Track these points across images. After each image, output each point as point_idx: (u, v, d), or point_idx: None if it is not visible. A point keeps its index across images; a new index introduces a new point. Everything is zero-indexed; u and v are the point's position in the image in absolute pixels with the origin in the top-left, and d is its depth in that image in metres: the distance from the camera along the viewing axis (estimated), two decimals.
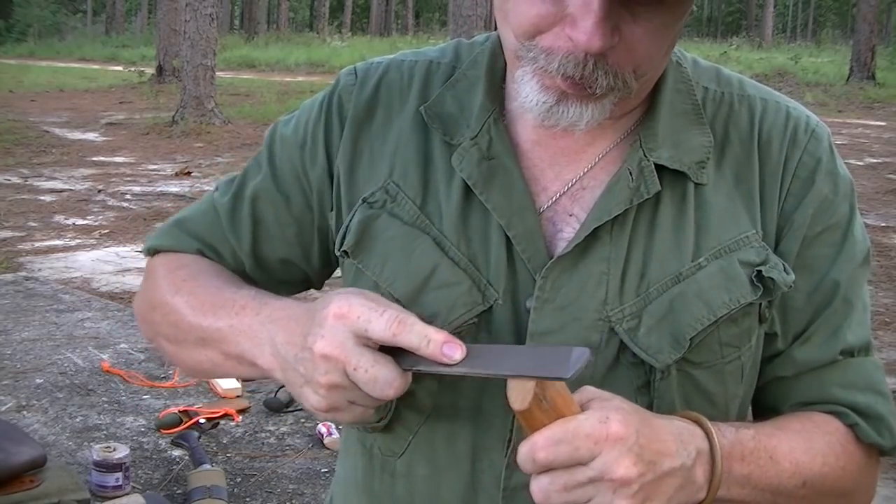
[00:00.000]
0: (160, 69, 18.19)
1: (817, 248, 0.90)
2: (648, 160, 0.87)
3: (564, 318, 0.85)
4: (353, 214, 0.93)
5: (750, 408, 0.99)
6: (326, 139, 0.97)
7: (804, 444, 0.87)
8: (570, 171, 0.90)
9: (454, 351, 0.76)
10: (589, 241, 0.86)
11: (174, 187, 8.79)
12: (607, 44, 0.78)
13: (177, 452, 2.05)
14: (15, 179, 9.06)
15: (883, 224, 7.45)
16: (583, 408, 0.75)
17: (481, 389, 0.88)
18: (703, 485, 0.79)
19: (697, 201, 0.88)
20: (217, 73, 13.49)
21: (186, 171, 9.62)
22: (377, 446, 0.93)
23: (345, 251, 0.93)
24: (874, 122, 14.19)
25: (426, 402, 0.89)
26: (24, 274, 4.35)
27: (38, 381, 2.46)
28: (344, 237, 0.93)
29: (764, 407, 0.95)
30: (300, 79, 20.36)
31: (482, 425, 0.88)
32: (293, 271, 1.02)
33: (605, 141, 0.90)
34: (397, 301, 0.87)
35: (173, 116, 12.88)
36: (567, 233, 0.88)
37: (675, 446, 0.77)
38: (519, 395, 0.74)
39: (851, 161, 10.40)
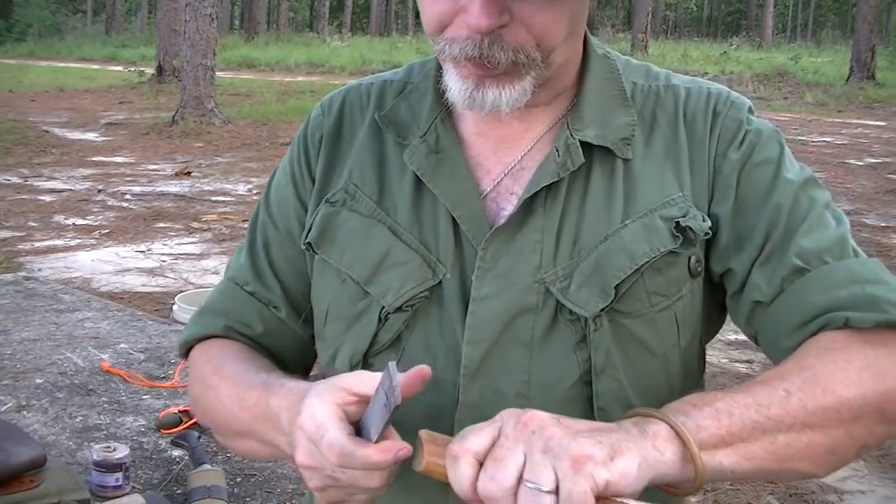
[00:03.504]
0: (160, 69, 18.19)
1: (753, 181, 0.96)
2: (574, 138, 0.96)
3: (503, 284, 0.93)
4: (317, 212, 1.03)
5: (703, 362, 1.03)
6: (309, 166, 1.08)
7: (796, 381, 0.83)
8: (510, 154, 1.00)
9: None
10: (525, 215, 0.95)
11: (174, 187, 8.79)
12: (495, 22, 0.87)
13: (177, 452, 2.04)
14: (15, 179, 9.06)
15: (883, 224, 7.44)
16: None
17: (434, 359, 0.94)
18: (674, 460, 0.77)
19: (626, 174, 0.97)
20: (217, 73, 13.49)
21: (186, 171, 9.62)
22: None
23: (308, 243, 1.02)
24: (874, 122, 14.19)
25: None
26: (24, 274, 4.35)
27: (38, 381, 2.45)
28: (308, 232, 1.03)
29: (771, 349, 0.95)
30: (300, 79, 20.36)
31: (436, 389, 0.93)
32: None
33: (540, 126, 1.00)
34: (356, 283, 0.98)
35: (173, 116, 12.88)
36: (508, 210, 0.97)
37: (593, 425, 0.77)
38: (418, 457, 0.79)
39: (852, 161, 10.40)
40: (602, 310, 0.91)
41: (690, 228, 0.93)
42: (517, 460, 0.73)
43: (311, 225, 1.03)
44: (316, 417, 0.82)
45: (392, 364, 0.77)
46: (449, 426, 0.93)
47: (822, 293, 0.90)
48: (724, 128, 0.99)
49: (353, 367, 0.98)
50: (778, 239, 0.94)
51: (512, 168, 0.99)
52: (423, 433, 0.80)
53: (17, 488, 1.65)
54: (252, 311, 1.08)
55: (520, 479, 0.73)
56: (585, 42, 1.01)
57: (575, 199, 0.96)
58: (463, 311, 0.94)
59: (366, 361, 0.98)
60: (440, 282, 0.95)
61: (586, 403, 0.93)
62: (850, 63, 19.17)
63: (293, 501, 1.89)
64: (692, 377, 1.00)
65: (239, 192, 8.64)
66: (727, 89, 1.04)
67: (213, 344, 1.09)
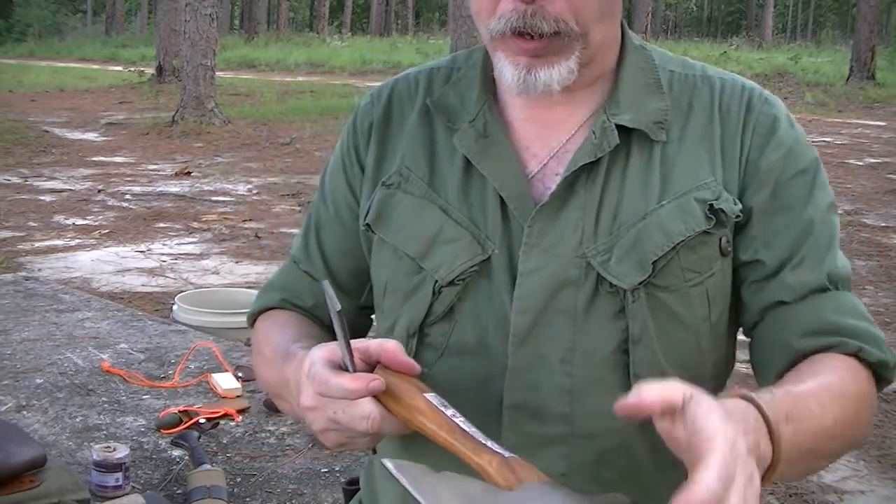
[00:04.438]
0: (160, 69, 18.18)
1: (791, 189, 1.04)
2: (610, 122, 1.03)
3: (548, 258, 1.01)
4: (374, 196, 1.11)
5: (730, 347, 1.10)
6: (357, 154, 1.15)
7: (824, 388, 0.93)
8: (554, 139, 1.06)
9: None
10: (567, 194, 1.02)
11: (174, 187, 8.79)
12: None
13: (177, 452, 2.04)
14: (15, 179, 9.06)
15: (883, 224, 7.44)
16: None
17: (485, 329, 1.02)
18: (766, 453, 0.81)
19: (662, 157, 1.03)
20: (217, 73, 13.49)
21: (186, 171, 9.62)
22: None
23: (367, 224, 1.10)
24: (874, 122, 14.18)
25: (440, 341, 1.05)
26: (24, 274, 4.35)
27: (38, 381, 2.45)
28: (367, 214, 1.11)
29: (774, 343, 1.03)
30: (300, 79, 20.35)
31: (487, 357, 1.02)
32: (365, 280, 1.17)
33: (583, 111, 1.06)
34: (411, 259, 1.06)
35: (173, 116, 12.87)
36: (553, 190, 1.04)
37: (752, 424, 0.80)
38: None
39: (852, 161, 10.39)
40: (640, 283, 0.99)
41: (723, 211, 1.01)
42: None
43: (369, 208, 1.11)
44: (311, 357, 0.92)
45: (325, 283, 0.92)
46: (499, 391, 1.01)
47: (839, 314, 1.00)
48: (758, 122, 1.05)
49: (410, 337, 1.07)
50: (810, 252, 1.02)
51: (557, 151, 1.06)
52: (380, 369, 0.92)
53: (18, 488, 1.65)
54: (304, 287, 1.19)
55: None
56: (624, 35, 1.09)
57: (614, 179, 1.03)
58: (511, 283, 1.01)
59: (422, 331, 1.06)
60: (489, 257, 1.03)
61: (623, 370, 1.00)
62: (850, 63, 19.14)
63: (293, 501, 1.89)
64: (722, 352, 1.08)
65: (239, 192, 8.64)
66: (759, 86, 1.10)
67: (268, 315, 1.21)
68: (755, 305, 1.04)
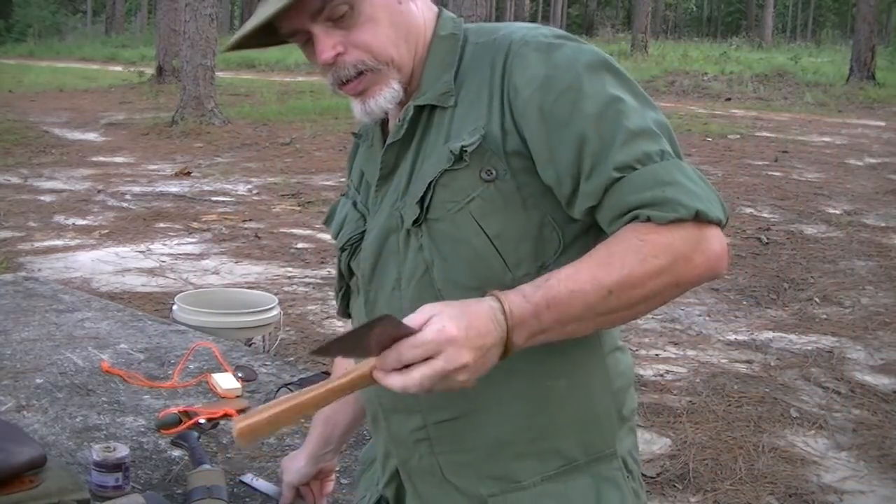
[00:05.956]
0: (160, 69, 18.19)
1: (556, 111, 1.18)
2: (411, 106, 1.27)
3: (381, 215, 1.31)
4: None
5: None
6: None
7: (596, 262, 1.12)
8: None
9: None
10: (391, 168, 1.30)
11: (174, 187, 8.80)
12: (330, 55, 1.20)
13: (177, 452, 2.04)
14: (15, 179, 9.07)
15: (883, 224, 7.44)
16: (425, 324, 1.07)
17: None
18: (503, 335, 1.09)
19: (451, 118, 1.25)
20: (217, 73, 13.49)
21: (186, 171, 9.62)
22: None
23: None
24: (874, 122, 14.17)
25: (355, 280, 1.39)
26: (24, 274, 4.35)
27: (38, 381, 2.45)
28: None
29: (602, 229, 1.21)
30: (300, 79, 20.35)
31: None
32: None
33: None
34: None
35: (173, 116, 12.88)
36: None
37: (492, 325, 1.09)
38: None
39: (851, 161, 10.39)
40: (414, 222, 1.24)
41: (464, 148, 1.20)
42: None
43: None
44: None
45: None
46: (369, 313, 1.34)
47: (633, 194, 1.14)
48: (513, 64, 1.21)
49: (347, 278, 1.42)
50: (593, 158, 1.16)
51: None
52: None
53: (18, 488, 1.65)
54: None
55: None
56: (435, 31, 1.30)
57: (423, 149, 1.27)
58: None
59: (350, 273, 1.39)
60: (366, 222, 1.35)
61: (432, 288, 1.25)
62: (850, 63, 19.14)
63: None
64: (518, 253, 1.23)
65: (239, 192, 8.64)
66: (529, 32, 1.24)
67: None
68: (578, 215, 1.20)
